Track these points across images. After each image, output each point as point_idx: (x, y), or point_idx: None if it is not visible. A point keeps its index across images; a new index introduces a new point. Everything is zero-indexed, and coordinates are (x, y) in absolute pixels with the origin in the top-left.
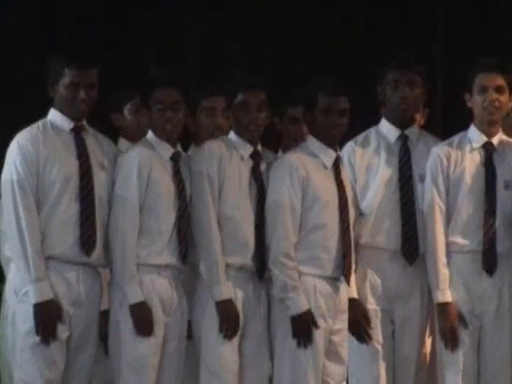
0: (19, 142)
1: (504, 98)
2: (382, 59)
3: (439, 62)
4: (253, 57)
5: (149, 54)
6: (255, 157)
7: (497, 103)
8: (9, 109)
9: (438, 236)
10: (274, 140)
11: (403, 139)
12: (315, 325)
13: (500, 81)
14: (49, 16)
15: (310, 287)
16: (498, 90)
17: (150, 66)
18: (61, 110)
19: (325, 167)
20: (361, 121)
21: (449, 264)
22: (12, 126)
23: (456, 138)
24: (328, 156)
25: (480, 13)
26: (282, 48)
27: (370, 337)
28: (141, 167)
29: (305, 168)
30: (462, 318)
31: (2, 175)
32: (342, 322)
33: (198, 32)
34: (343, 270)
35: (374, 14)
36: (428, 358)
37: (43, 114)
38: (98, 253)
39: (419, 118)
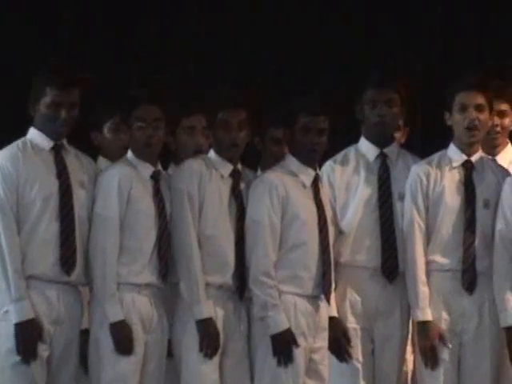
0: (0, 161)
1: (484, 116)
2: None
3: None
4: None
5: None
6: (235, 175)
7: (477, 122)
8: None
9: (418, 255)
10: (253, 159)
11: (382, 158)
12: (295, 343)
13: (480, 99)
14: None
15: (290, 306)
16: (478, 108)
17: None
18: (41, 129)
19: (304, 186)
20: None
21: (429, 282)
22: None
23: (435, 157)
24: (307, 175)
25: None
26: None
27: (349, 355)
28: (121, 185)
29: (284, 187)
30: (442, 337)
31: None
32: (323, 341)
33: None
34: (323, 288)
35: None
36: (409, 376)
37: None
38: (78, 272)
39: (399, 136)
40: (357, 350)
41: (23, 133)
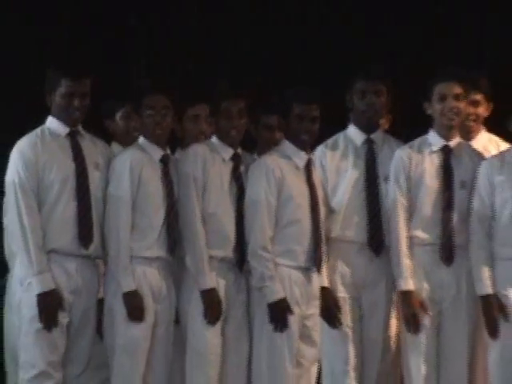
0: (20, 149)
1: (462, 104)
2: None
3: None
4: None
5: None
6: (235, 159)
7: (455, 110)
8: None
9: (401, 230)
10: (250, 144)
11: (369, 143)
12: (290, 311)
13: (458, 89)
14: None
15: (285, 277)
16: (457, 97)
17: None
18: (57, 117)
19: (298, 168)
20: None
21: (411, 255)
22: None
23: (417, 142)
24: (300, 158)
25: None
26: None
27: (339, 322)
28: (132, 168)
29: (280, 169)
30: (422, 305)
31: (6, 178)
32: (315, 308)
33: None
34: (315, 261)
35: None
36: (395, 341)
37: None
38: (95, 246)
39: (383, 123)
40: (346, 317)
41: (39, 122)
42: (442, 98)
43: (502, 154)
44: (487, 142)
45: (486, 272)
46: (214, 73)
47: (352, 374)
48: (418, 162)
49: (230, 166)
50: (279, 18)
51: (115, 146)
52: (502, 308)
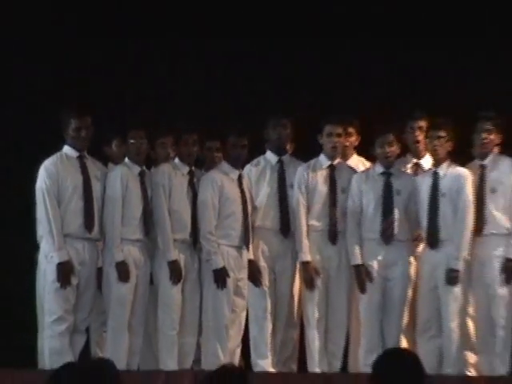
0: (45, 166)
1: (342, 139)
2: None
3: None
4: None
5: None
6: (191, 173)
7: (338, 143)
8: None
9: (302, 221)
10: (200, 163)
11: (281, 162)
12: (227, 275)
13: (339, 129)
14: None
15: (224, 252)
16: (339, 135)
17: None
18: (70, 145)
19: (232, 180)
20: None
21: (308, 237)
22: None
23: (312, 162)
24: (234, 173)
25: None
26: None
27: (261, 283)
28: (122, 178)
29: (220, 180)
30: (316, 271)
31: (36, 186)
32: (244, 274)
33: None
34: (245, 241)
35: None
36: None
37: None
38: (95, 231)
39: (289, 148)
40: (265, 280)
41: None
42: (329, 135)
43: (367, 170)
44: (357, 162)
45: (357, 249)
46: (176, 112)
47: (269, 318)
48: (313, 175)
49: (187, 178)
50: (224, 60)
51: (110, 165)
52: (368, 274)
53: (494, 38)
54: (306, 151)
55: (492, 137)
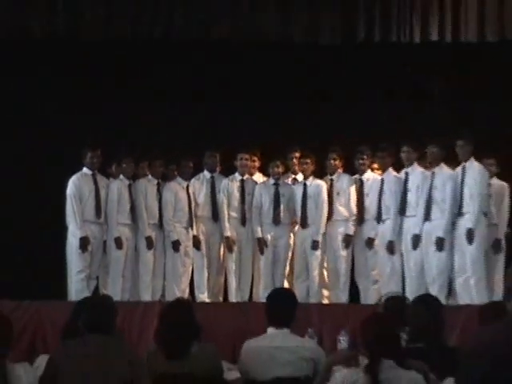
0: (72, 179)
1: (249, 163)
2: None
3: None
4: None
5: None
6: (158, 184)
7: (246, 166)
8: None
9: (225, 212)
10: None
11: (212, 178)
12: (180, 244)
13: (247, 156)
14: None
15: (178, 231)
16: (247, 160)
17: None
18: (87, 167)
19: (183, 188)
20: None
21: (228, 222)
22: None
23: (231, 177)
24: (184, 184)
25: None
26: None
27: (200, 248)
28: (118, 188)
29: (175, 188)
30: (233, 241)
31: (67, 191)
32: (190, 243)
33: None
34: (190, 224)
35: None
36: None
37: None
38: (102, 218)
39: (219, 168)
40: (203, 247)
41: (79, 168)
42: (241, 159)
43: (264, 182)
44: (258, 177)
45: (258, 228)
46: (149, 147)
47: (205, 269)
48: (231, 185)
49: (156, 187)
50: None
51: (111, 180)
52: (264, 242)
53: None
54: (229, 170)
55: (336, 162)
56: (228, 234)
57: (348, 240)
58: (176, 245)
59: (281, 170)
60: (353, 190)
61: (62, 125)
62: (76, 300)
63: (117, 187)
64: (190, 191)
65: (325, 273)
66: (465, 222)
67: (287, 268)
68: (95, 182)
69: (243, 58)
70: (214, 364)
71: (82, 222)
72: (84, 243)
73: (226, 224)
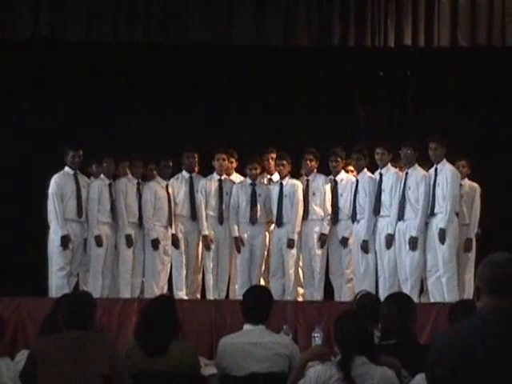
0: (55, 178)
1: (226, 163)
2: None
3: None
4: None
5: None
6: (138, 184)
7: (223, 166)
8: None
9: (202, 211)
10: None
11: (191, 178)
12: (159, 242)
13: (224, 157)
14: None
15: (157, 229)
16: (224, 160)
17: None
18: (68, 167)
19: (162, 187)
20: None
21: (206, 221)
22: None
23: (209, 176)
24: (164, 183)
25: None
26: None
27: (179, 246)
28: (98, 188)
29: (155, 188)
30: (211, 240)
31: (49, 190)
32: (169, 241)
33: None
34: (169, 223)
35: None
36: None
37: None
38: (83, 217)
39: (197, 168)
40: (181, 245)
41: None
42: (218, 160)
43: (241, 182)
44: (235, 177)
45: (235, 227)
46: (130, 147)
47: (184, 267)
48: (209, 184)
49: (136, 187)
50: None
51: (92, 179)
52: (241, 241)
53: None
54: (207, 170)
55: (312, 163)
56: (206, 232)
57: (323, 239)
58: (155, 243)
59: (258, 172)
60: (328, 190)
61: (43, 124)
62: (56, 296)
63: (97, 186)
64: (170, 191)
65: (300, 271)
66: (437, 222)
67: (263, 266)
68: (76, 181)
69: (219, 61)
70: (191, 362)
71: (64, 221)
72: (65, 241)
73: (204, 223)
